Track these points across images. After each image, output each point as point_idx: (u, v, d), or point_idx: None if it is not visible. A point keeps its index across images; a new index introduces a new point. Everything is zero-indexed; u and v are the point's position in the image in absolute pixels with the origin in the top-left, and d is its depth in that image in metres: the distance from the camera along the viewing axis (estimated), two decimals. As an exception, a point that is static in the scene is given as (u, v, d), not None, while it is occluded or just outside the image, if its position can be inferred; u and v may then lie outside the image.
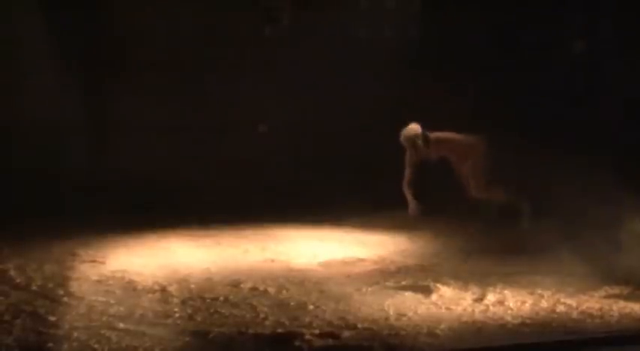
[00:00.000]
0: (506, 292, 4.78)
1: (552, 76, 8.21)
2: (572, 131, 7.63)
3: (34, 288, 4.71)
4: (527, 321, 4.20)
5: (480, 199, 6.50)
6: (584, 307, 4.47)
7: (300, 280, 5.07)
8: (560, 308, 4.46)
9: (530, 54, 8.36)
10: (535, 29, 8.40)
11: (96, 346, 3.66)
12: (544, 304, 4.55)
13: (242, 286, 4.87)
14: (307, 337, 3.83)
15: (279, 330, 3.96)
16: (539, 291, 4.79)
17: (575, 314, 4.35)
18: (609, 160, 6.77)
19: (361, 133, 8.32)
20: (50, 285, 4.78)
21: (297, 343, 3.75)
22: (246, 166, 8.22)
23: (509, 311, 4.39)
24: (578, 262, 5.24)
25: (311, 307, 4.40)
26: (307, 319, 4.15)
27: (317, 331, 3.91)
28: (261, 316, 4.22)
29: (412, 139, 6.43)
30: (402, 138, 6.45)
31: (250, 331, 3.93)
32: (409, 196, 6.47)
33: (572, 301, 4.57)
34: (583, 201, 6.11)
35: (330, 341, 3.80)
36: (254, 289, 4.81)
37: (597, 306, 4.48)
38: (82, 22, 8.23)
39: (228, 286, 4.87)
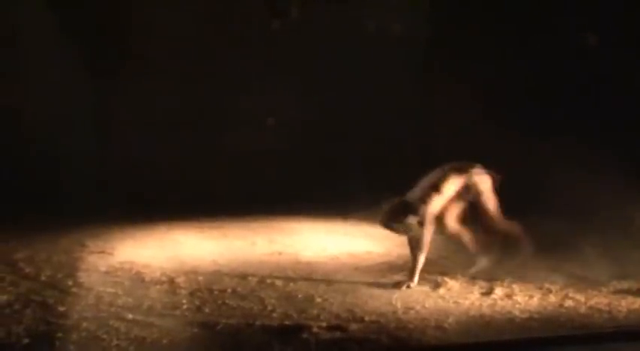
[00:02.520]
0: (514, 286, 4.77)
1: (564, 70, 8.16)
2: (583, 128, 7.59)
3: (43, 278, 4.74)
4: (536, 315, 4.20)
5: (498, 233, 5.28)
6: (592, 302, 4.45)
7: (307, 272, 5.07)
8: (569, 303, 4.45)
9: (541, 49, 8.32)
10: (547, 25, 8.36)
11: (104, 336, 3.68)
12: (552, 298, 4.54)
13: (250, 278, 4.88)
14: (315, 329, 3.83)
15: (287, 322, 3.97)
16: (548, 285, 4.78)
17: (583, 309, 4.34)
18: (620, 156, 6.73)
19: (370, 127, 8.31)
20: (59, 275, 4.80)
21: (304, 336, 3.76)
22: (253, 159, 8.23)
23: (517, 305, 4.39)
24: (586, 257, 5.22)
25: (318, 299, 4.41)
26: (315, 312, 4.15)
27: (324, 324, 3.92)
28: (269, 308, 4.23)
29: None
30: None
31: (258, 323, 3.94)
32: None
33: (580, 296, 4.56)
34: (592, 197, 6.09)
35: (338, 334, 3.80)
36: (261, 281, 4.82)
37: (606, 301, 4.47)
38: (89, 15, 8.24)
39: (236, 278, 4.88)
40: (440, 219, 5.00)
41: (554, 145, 7.08)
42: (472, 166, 5.03)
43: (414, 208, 4.76)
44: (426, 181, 4.94)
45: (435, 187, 4.87)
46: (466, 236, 5.16)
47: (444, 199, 4.90)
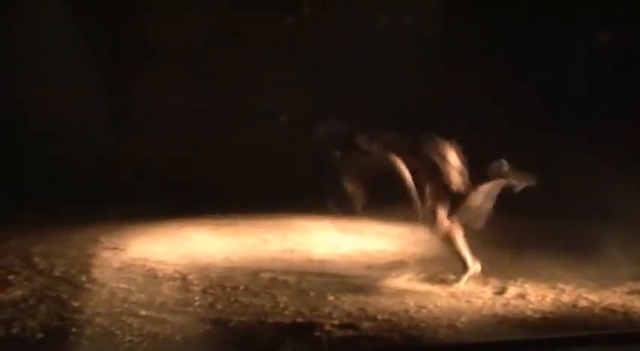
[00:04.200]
0: (526, 285, 4.75)
1: (580, 68, 8.11)
2: (602, 127, 7.54)
3: (57, 274, 4.77)
4: (549, 315, 4.18)
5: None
6: (606, 302, 4.43)
7: (319, 270, 5.07)
8: (582, 303, 4.42)
9: (557, 47, 8.27)
10: (563, 22, 8.31)
11: (118, 332, 3.69)
12: (565, 298, 4.52)
13: (262, 275, 4.89)
14: (327, 327, 3.83)
15: (299, 320, 3.97)
16: (561, 285, 4.76)
17: (597, 310, 4.31)
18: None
19: (383, 124, 8.28)
20: (73, 271, 4.83)
21: (316, 334, 3.76)
22: (267, 156, 8.23)
23: (530, 305, 4.37)
24: (601, 257, 5.19)
25: (330, 297, 4.40)
26: (327, 310, 4.15)
27: (336, 322, 3.92)
28: (281, 305, 4.23)
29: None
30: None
31: (270, 320, 3.95)
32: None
33: (594, 297, 4.53)
34: (609, 197, 6.05)
35: (350, 332, 3.80)
36: (274, 278, 4.82)
37: (620, 302, 4.44)
38: (105, 11, 8.28)
39: (248, 275, 4.89)
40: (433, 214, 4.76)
41: (572, 144, 7.04)
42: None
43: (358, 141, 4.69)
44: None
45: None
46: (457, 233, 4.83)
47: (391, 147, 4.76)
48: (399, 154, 4.75)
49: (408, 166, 4.73)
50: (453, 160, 4.75)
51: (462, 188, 4.75)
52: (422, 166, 4.74)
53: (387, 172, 4.83)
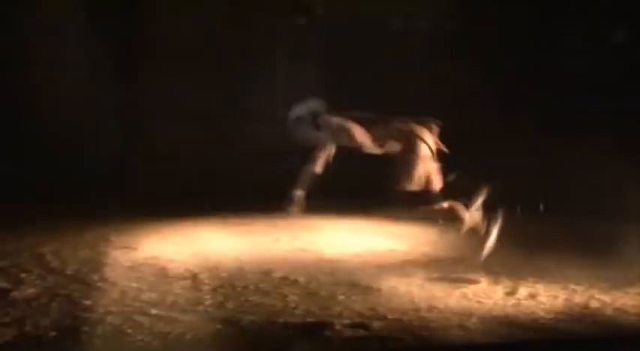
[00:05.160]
0: (538, 286, 4.73)
1: (593, 66, 8.06)
2: (611, 125, 7.50)
3: (69, 272, 4.79)
4: (560, 316, 4.15)
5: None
6: (619, 303, 4.40)
7: (330, 270, 5.07)
8: (594, 304, 4.40)
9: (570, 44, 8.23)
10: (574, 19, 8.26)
11: (129, 330, 3.71)
12: (577, 299, 4.49)
13: (273, 275, 4.89)
14: (337, 327, 3.83)
15: (310, 319, 3.97)
16: (573, 286, 4.73)
17: (609, 311, 4.28)
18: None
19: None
20: (84, 270, 4.85)
21: (327, 333, 3.75)
22: (279, 155, 8.23)
23: (541, 306, 4.34)
24: (613, 257, 5.16)
25: (341, 297, 4.40)
26: (337, 309, 4.15)
27: (347, 322, 3.91)
28: (292, 305, 4.23)
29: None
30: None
31: (280, 319, 3.95)
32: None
33: (606, 297, 4.50)
34: (618, 195, 6.01)
35: (361, 332, 3.80)
36: (285, 278, 4.83)
37: (632, 303, 4.41)
38: (113, 10, 8.31)
39: (259, 274, 4.89)
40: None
41: (589, 144, 7.00)
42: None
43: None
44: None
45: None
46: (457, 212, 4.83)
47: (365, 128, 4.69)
48: (372, 136, 4.65)
49: (380, 147, 4.65)
50: (424, 150, 4.64)
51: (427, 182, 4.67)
52: (394, 148, 4.65)
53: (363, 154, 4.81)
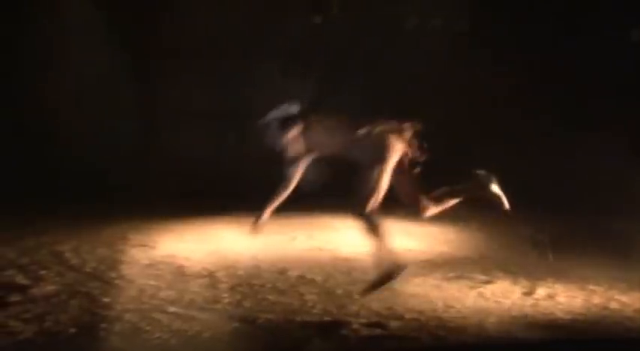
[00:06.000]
0: (556, 286, 4.70)
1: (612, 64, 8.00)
2: (627, 124, 7.44)
3: (87, 270, 4.83)
4: (579, 317, 4.13)
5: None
6: (638, 304, 4.36)
7: (347, 269, 5.07)
8: (613, 305, 4.37)
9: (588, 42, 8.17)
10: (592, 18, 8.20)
11: (147, 328, 3.73)
12: (596, 300, 4.46)
13: (289, 273, 4.90)
14: (354, 326, 3.83)
15: (327, 318, 3.98)
16: (591, 286, 4.70)
17: (629, 312, 4.25)
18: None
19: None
20: (103, 267, 4.89)
21: (344, 332, 3.76)
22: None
23: (559, 306, 4.32)
24: (633, 258, 5.11)
25: (358, 296, 4.40)
26: (354, 309, 4.15)
27: (364, 321, 3.91)
28: (309, 304, 4.24)
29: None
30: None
31: (297, 318, 3.96)
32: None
33: (625, 299, 4.47)
34: (636, 194, 5.96)
35: (378, 331, 3.80)
36: (301, 276, 4.83)
37: (652, 304, 4.38)
38: (130, 9, 8.36)
39: (276, 273, 4.90)
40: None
41: (606, 143, 6.95)
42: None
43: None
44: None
45: None
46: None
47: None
48: (350, 139, 4.50)
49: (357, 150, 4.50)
50: (402, 151, 4.47)
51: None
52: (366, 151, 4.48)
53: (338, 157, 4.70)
